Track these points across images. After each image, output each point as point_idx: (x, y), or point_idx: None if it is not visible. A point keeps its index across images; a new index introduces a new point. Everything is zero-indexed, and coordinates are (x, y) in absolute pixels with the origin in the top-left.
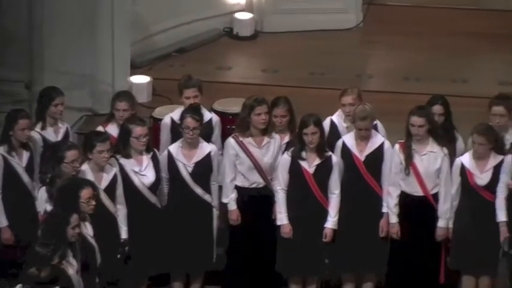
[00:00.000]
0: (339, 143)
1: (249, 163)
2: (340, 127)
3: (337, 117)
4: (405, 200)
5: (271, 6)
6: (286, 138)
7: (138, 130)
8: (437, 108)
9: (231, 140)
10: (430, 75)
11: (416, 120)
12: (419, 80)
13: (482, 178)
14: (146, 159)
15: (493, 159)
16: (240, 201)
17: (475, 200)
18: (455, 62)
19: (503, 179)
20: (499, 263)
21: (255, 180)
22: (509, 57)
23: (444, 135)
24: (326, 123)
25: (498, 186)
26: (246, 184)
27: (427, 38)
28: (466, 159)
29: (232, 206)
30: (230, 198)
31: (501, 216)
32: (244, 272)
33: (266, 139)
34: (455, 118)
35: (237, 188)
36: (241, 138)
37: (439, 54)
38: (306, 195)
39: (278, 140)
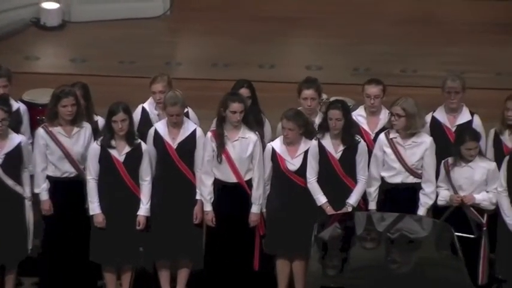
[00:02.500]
0: (151, 131)
1: (59, 153)
2: (152, 115)
3: (148, 105)
4: (219, 186)
5: None
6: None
7: None
8: (243, 91)
9: (40, 130)
10: (237, 61)
11: (236, 106)
12: (228, 66)
13: (293, 163)
14: None
15: (304, 145)
16: (52, 191)
17: (286, 184)
18: (262, 48)
19: (311, 163)
20: (311, 246)
21: (67, 170)
22: (315, 41)
23: (253, 118)
24: (137, 111)
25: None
26: (57, 174)
27: (234, 25)
28: (276, 144)
29: (44, 196)
30: (42, 188)
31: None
32: (59, 262)
33: (76, 128)
34: (264, 104)
35: (48, 177)
36: (50, 128)
37: (246, 40)
38: (117, 184)
39: (89, 129)
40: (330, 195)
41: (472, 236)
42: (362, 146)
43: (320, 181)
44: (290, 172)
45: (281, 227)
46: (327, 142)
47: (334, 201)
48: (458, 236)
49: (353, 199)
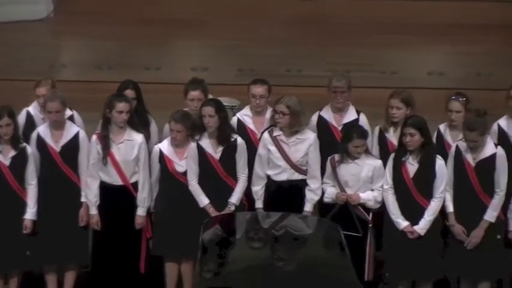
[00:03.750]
0: (34, 135)
1: None
2: (37, 118)
3: (33, 109)
4: (104, 189)
5: None
6: None
7: None
8: (128, 93)
9: None
10: (123, 63)
11: (122, 106)
12: (112, 69)
13: (181, 165)
14: None
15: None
16: None
17: (174, 186)
18: (148, 50)
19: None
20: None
21: None
22: (201, 43)
23: (139, 120)
24: (22, 115)
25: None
26: None
27: (119, 27)
28: (164, 146)
29: None
30: None
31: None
32: None
33: None
34: (151, 105)
35: None
36: None
37: (132, 42)
38: (2, 188)
39: None
40: (212, 196)
41: (359, 235)
42: (241, 144)
43: (202, 182)
44: (178, 174)
45: (169, 228)
46: (206, 143)
47: (218, 202)
48: (344, 234)
49: (234, 198)
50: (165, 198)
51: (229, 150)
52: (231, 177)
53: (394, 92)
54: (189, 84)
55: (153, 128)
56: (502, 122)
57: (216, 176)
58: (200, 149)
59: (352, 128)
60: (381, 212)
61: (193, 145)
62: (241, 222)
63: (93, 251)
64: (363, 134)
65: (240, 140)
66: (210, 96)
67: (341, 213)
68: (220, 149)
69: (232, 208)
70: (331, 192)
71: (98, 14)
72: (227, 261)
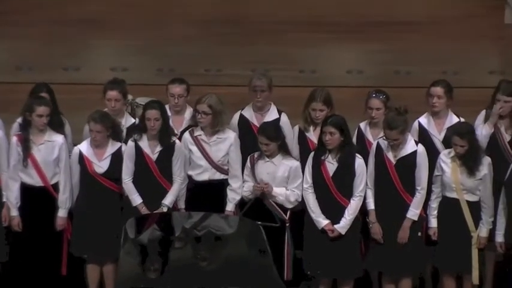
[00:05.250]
0: None
1: None
2: None
3: None
4: (25, 190)
5: None
6: None
7: None
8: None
9: None
10: (42, 64)
11: (43, 110)
12: (32, 70)
13: (101, 166)
14: None
15: (111, 147)
16: None
17: (94, 187)
18: (66, 50)
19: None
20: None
21: None
22: (119, 43)
23: (55, 121)
24: None
25: None
26: None
27: (37, 27)
28: (83, 147)
29: None
30: None
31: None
32: None
33: None
34: (71, 106)
35: None
36: None
37: (50, 43)
38: None
39: None
40: (146, 196)
41: (276, 225)
42: (178, 147)
43: (136, 182)
44: (98, 175)
45: (89, 230)
46: (144, 143)
47: (151, 202)
48: (262, 225)
49: (168, 200)
50: (85, 200)
51: (167, 152)
52: (165, 179)
53: (315, 94)
54: (107, 84)
55: (67, 129)
56: (423, 119)
57: (151, 177)
58: (138, 149)
59: (262, 125)
60: (301, 211)
61: (130, 144)
62: (164, 222)
63: (12, 252)
64: (266, 132)
65: (178, 143)
66: (130, 97)
67: (258, 208)
68: (158, 150)
69: (165, 209)
70: (249, 186)
71: (15, 14)
72: (149, 262)
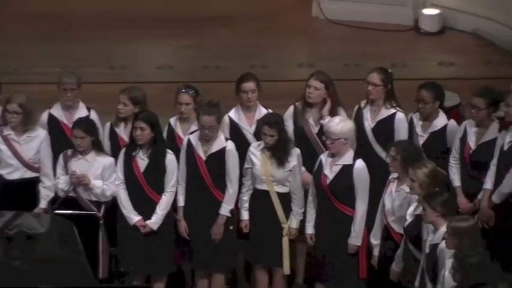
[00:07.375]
0: None
1: None
2: None
3: None
4: None
5: None
6: None
7: None
8: None
9: None
10: None
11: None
12: None
13: None
14: None
15: None
16: None
17: None
18: None
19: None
20: None
21: None
22: None
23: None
24: None
25: None
26: None
27: None
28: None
29: None
30: None
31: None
32: None
33: None
34: None
35: None
36: None
37: None
38: None
39: None
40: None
41: (94, 212)
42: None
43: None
44: None
45: None
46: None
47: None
48: (79, 215)
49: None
50: None
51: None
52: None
53: (125, 90)
54: None
55: None
56: (233, 114)
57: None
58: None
59: (77, 120)
60: (113, 205)
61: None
62: None
63: None
64: (81, 125)
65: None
66: None
67: (70, 203)
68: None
69: None
70: (65, 178)
71: None
72: None
